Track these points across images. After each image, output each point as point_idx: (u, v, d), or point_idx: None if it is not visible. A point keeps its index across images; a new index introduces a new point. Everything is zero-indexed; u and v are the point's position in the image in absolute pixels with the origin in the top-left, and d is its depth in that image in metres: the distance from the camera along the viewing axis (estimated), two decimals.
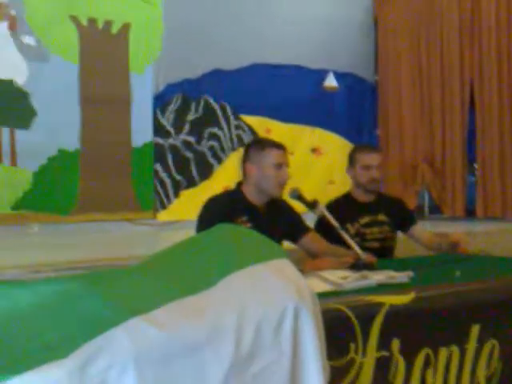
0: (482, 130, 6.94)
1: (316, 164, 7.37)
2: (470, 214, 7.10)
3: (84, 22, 5.94)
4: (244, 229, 2.36)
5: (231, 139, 6.79)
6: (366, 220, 3.56)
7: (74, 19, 5.90)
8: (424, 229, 3.77)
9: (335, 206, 3.32)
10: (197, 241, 2.08)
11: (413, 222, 3.69)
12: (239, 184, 3.17)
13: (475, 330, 2.37)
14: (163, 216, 6.36)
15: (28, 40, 5.63)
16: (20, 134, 5.62)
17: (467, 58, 6.99)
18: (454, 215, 7.11)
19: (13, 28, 5.61)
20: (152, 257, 2.02)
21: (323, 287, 2.33)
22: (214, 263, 1.89)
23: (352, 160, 3.61)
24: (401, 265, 2.85)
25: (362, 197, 3.61)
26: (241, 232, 2.14)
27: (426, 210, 7.60)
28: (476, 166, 7.14)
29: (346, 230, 3.06)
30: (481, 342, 2.39)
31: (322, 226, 3.18)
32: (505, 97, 6.74)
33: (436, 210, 7.44)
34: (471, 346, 2.37)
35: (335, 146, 7.45)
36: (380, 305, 2.15)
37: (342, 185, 7.04)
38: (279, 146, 3.13)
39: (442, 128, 7.23)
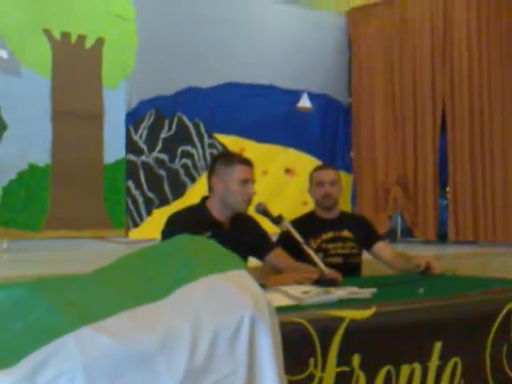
0: (453, 154, 7.01)
1: (290, 184, 7.37)
2: (442, 237, 7.14)
3: (57, 36, 5.92)
4: (202, 239, 2.33)
5: (205, 158, 6.78)
6: (329, 235, 3.59)
7: (47, 33, 5.87)
8: (388, 246, 3.76)
9: (299, 223, 3.33)
10: (154, 249, 2.06)
11: (376, 240, 3.68)
12: (204, 198, 3.15)
13: (437, 347, 2.36)
14: (135, 234, 6.30)
15: (0, 52, 5.59)
16: None
17: (439, 81, 7.08)
18: (426, 239, 7.14)
19: None
20: (107, 265, 1.98)
21: (284, 301, 2.31)
22: (170, 272, 1.86)
23: (310, 179, 3.70)
24: (365, 282, 2.83)
25: (325, 214, 3.64)
26: (199, 242, 2.12)
27: (399, 233, 7.63)
28: (448, 189, 7.20)
29: (309, 246, 3.05)
30: (443, 359, 2.38)
31: (285, 242, 3.19)
32: (476, 120, 6.82)
33: (408, 233, 7.47)
34: (433, 363, 2.35)
35: (309, 166, 7.38)
36: (340, 319, 2.13)
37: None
38: (246, 162, 3.12)
39: (415, 151, 7.29)
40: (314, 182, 3.64)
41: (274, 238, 3.40)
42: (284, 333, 1.85)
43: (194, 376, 1.67)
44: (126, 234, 6.29)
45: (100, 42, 6.13)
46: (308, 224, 3.53)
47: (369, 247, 3.67)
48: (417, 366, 2.31)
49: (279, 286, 2.53)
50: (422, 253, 5.66)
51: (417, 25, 7.24)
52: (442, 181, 7.25)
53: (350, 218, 3.77)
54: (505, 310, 2.53)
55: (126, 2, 6.27)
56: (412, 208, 7.35)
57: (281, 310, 2.02)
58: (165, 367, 1.64)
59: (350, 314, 2.16)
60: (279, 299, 2.32)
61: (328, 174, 3.62)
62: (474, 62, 6.84)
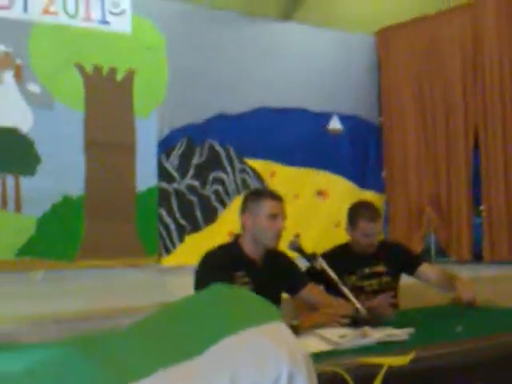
0: (486, 172, 6.92)
1: (322, 207, 7.35)
2: (476, 257, 7.04)
3: (89, 70, 6.01)
4: (238, 290, 2.32)
5: (236, 183, 6.80)
6: (364, 272, 3.53)
7: (79, 66, 5.97)
8: (431, 267, 3.68)
9: (333, 257, 3.28)
10: (190, 303, 2.05)
11: (418, 264, 3.63)
12: (237, 236, 3.15)
13: None
14: (168, 261, 6.35)
15: (33, 88, 5.69)
16: (24, 180, 5.65)
17: (471, 100, 7.01)
18: (461, 259, 7.05)
19: (18, 76, 5.68)
20: (144, 318, 1.99)
21: (320, 346, 2.29)
22: (207, 328, 1.86)
23: (353, 224, 3.53)
24: (402, 319, 2.80)
25: (361, 250, 3.57)
26: (235, 293, 2.11)
27: (433, 253, 7.54)
28: (482, 208, 7.09)
29: (344, 282, 3.02)
30: None
31: (313, 276, 3.17)
32: (509, 137, 6.73)
33: (442, 253, 7.38)
34: None
35: (341, 188, 7.44)
36: (378, 366, 2.10)
37: None
38: (275, 197, 3.11)
39: (447, 170, 7.21)
40: (360, 231, 3.48)
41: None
42: (320, 381, 1.83)
43: None
44: (159, 261, 6.34)
45: (131, 73, 6.22)
46: (343, 259, 3.46)
47: (412, 272, 3.62)
48: None
49: (315, 330, 2.51)
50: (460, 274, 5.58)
51: (446, 44, 7.19)
52: (476, 199, 7.15)
53: (385, 250, 3.67)
54: None
55: (155, 32, 6.35)
56: (446, 228, 7.27)
57: (317, 356, 2.00)
58: None
59: (388, 360, 2.13)
60: (316, 344, 2.30)
61: (376, 228, 3.49)
62: (505, 79, 6.77)
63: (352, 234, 3.56)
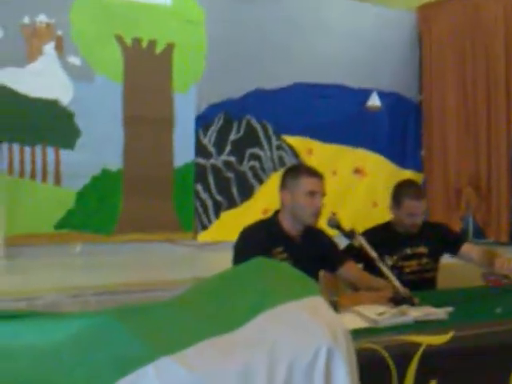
0: None
1: (359, 185, 7.29)
2: None
3: (128, 42, 6.02)
4: (279, 263, 2.32)
5: (272, 159, 6.78)
6: (406, 253, 3.50)
7: (119, 39, 5.98)
8: (474, 247, 3.66)
9: (374, 236, 3.25)
10: (231, 276, 2.07)
11: (460, 243, 3.61)
12: (276, 212, 3.15)
13: None
14: (203, 237, 6.37)
15: (74, 60, 5.73)
16: (64, 153, 5.71)
17: None
18: (499, 240, 6.96)
19: (59, 48, 5.71)
20: (185, 291, 2.01)
21: (358, 323, 2.29)
22: (247, 300, 1.87)
23: (398, 202, 3.50)
24: (441, 298, 2.78)
25: (404, 230, 3.54)
26: (275, 267, 2.11)
27: (470, 234, 7.45)
28: None
29: (384, 262, 3.00)
30: None
31: (352, 254, 3.15)
32: None
33: (480, 234, 7.28)
34: None
35: (379, 167, 7.37)
36: (417, 345, 2.10)
37: (385, 207, 6.94)
38: (314, 174, 3.08)
39: (488, 150, 7.09)
40: (405, 210, 3.46)
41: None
42: (359, 359, 1.84)
43: None
44: (195, 237, 6.37)
45: (170, 47, 6.20)
46: (384, 238, 3.42)
47: (455, 252, 3.60)
48: None
49: (354, 307, 2.51)
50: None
51: (490, 21, 7.02)
52: None
53: (428, 230, 3.61)
54: None
55: (195, 6, 6.32)
56: (484, 209, 7.17)
57: (355, 333, 2.00)
58: None
59: (426, 339, 2.13)
60: (354, 321, 2.30)
61: (421, 207, 3.46)
62: None
63: (396, 212, 3.52)
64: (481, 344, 2.26)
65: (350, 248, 3.25)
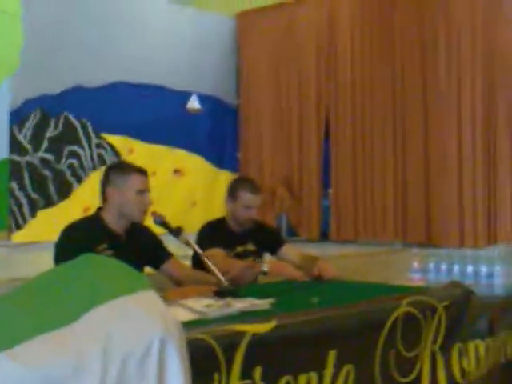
0: (335, 158, 7.29)
1: (178, 185, 7.39)
2: (324, 236, 7.42)
3: None
4: (108, 259, 2.32)
5: (92, 158, 6.67)
6: (237, 251, 3.62)
7: None
8: (293, 249, 3.85)
9: (211, 230, 3.35)
10: (60, 273, 2.04)
11: (280, 245, 3.78)
12: (99, 209, 3.12)
13: (332, 355, 2.47)
14: (19, 237, 6.12)
15: None
16: None
17: (324, 88, 7.33)
18: (310, 238, 7.39)
19: None
20: (12, 291, 1.95)
21: (188, 316, 2.34)
22: (79, 296, 1.86)
23: (233, 195, 3.60)
24: (263, 290, 2.92)
25: (236, 228, 3.66)
26: (105, 263, 2.12)
27: (284, 232, 7.83)
28: (330, 191, 7.47)
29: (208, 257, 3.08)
30: (337, 367, 2.49)
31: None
32: (357, 127, 7.12)
33: (293, 232, 7.68)
34: (328, 371, 2.46)
35: (198, 167, 7.52)
36: (243, 333, 2.19)
37: (204, 207, 7.14)
38: (142, 171, 3.11)
39: (300, 154, 7.51)
40: (241, 203, 3.55)
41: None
42: (190, 349, 1.90)
43: None
44: (9, 237, 6.09)
45: None
46: (221, 234, 3.55)
47: (274, 252, 3.76)
48: (313, 375, 2.41)
49: (180, 300, 2.56)
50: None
51: (303, 31, 7.44)
52: (325, 183, 7.51)
53: (255, 229, 3.75)
54: (391, 319, 2.68)
55: None
56: (297, 208, 7.58)
57: (186, 324, 2.05)
58: None
59: (251, 328, 2.22)
60: (182, 314, 2.35)
61: (258, 200, 3.60)
62: (356, 67, 7.12)
63: (231, 206, 3.61)
64: (301, 331, 2.41)
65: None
